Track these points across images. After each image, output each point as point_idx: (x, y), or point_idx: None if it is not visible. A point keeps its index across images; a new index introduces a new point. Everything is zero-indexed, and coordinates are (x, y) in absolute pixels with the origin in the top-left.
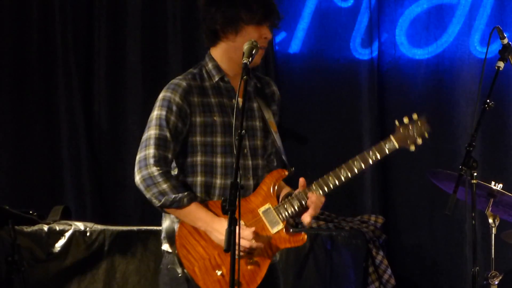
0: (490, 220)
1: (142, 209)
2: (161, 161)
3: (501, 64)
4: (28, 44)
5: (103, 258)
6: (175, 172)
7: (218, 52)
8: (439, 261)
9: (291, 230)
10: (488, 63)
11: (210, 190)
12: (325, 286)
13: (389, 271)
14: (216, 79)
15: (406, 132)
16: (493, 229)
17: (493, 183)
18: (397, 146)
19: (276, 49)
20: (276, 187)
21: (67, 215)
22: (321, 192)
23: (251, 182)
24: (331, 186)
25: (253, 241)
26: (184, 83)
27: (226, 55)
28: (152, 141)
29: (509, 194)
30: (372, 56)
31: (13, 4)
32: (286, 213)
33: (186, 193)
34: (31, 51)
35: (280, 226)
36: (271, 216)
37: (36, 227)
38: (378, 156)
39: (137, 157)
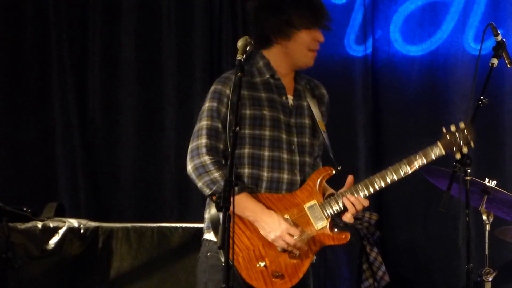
0: (484, 217)
1: (136, 206)
2: (213, 150)
3: (495, 61)
4: (23, 41)
5: (97, 255)
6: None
7: (271, 54)
8: (433, 258)
9: (335, 229)
10: (482, 60)
11: (257, 182)
12: (320, 283)
13: (383, 268)
14: (267, 76)
15: (452, 139)
16: (487, 226)
17: (487, 180)
18: (443, 152)
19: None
20: (322, 184)
21: (61, 212)
22: (366, 192)
23: (298, 177)
24: (377, 187)
25: (299, 240)
26: (234, 77)
27: (279, 57)
28: (204, 131)
29: (503, 191)
30: (366, 53)
31: (7, 1)
32: (331, 210)
33: (237, 182)
34: (25, 48)
35: (325, 222)
36: (316, 212)
37: (30, 224)
38: (425, 161)
39: (190, 147)
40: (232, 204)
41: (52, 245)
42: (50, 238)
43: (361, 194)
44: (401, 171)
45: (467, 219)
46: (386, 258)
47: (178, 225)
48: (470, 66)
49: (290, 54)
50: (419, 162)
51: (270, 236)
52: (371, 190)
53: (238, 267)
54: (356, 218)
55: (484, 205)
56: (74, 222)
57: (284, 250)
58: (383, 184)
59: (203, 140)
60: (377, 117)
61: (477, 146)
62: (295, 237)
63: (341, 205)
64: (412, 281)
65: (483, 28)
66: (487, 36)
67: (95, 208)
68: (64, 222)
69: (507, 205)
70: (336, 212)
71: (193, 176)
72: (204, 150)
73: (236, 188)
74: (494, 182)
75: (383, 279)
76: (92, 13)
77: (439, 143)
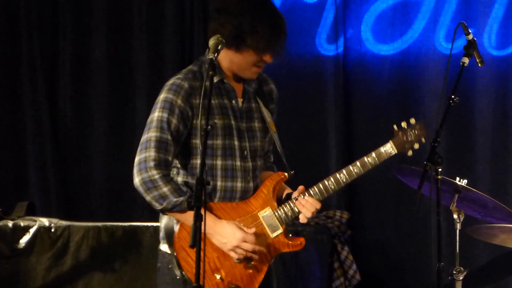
0: (455, 216)
1: (107, 205)
2: (161, 164)
3: (466, 60)
4: None
5: (68, 254)
6: (173, 172)
7: (220, 54)
8: (404, 257)
9: (290, 234)
10: (453, 59)
11: (211, 192)
12: (291, 282)
13: (354, 266)
14: (216, 80)
15: (404, 137)
16: (458, 224)
17: (458, 178)
18: (395, 151)
19: None
20: (276, 191)
21: (32, 211)
22: (320, 196)
23: (251, 184)
24: (331, 191)
25: (256, 245)
26: (186, 85)
27: (226, 61)
28: (152, 144)
29: (474, 189)
30: (338, 52)
31: None
32: (286, 217)
33: (187, 196)
34: None
35: (280, 230)
36: (271, 220)
37: (0, 223)
38: (377, 161)
39: (136, 159)
40: (204, 202)
41: (23, 244)
42: (21, 237)
43: (314, 197)
44: (353, 173)
45: (438, 218)
46: (357, 257)
47: (149, 224)
48: (441, 65)
49: (235, 64)
50: (371, 162)
51: (227, 247)
52: (325, 193)
53: (193, 279)
54: (327, 216)
55: (455, 204)
56: (45, 221)
57: (240, 261)
58: (337, 187)
59: (151, 153)
60: (348, 116)
61: (448, 145)
62: (253, 243)
63: (295, 210)
64: (383, 279)
65: (454, 27)
66: (458, 35)
67: (66, 207)
68: (35, 221)
69: (478, 204)
70: (290, 218)
71: (140, 189)
72: (152, 164)
73: (186, 204)
74: (465, 181)
75: (354, 278)
76: (63, 11)
77: (391, 142)
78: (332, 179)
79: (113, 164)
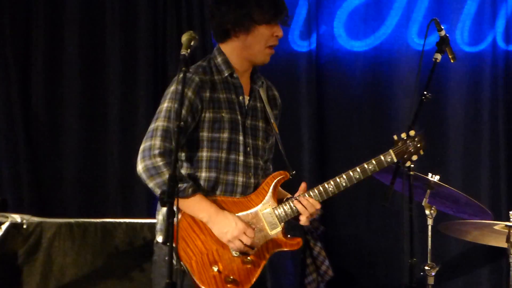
0: (427, 212)
1: (79, 201)
2: (166, 153)
3: (438, 56)
4: None
5: (40, 251)
6: (178, 164)
7: (228, 49)
8: (377, 253)
9: (288, 235)
10: (426, 55)
11: (214, 185)
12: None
13: (327, 262)
14: (226, 74)
15: (404, 147)
16: (430, 220)
17: (430, 174)
18: (395, 160)
19: (214, 41)
20: (277, 188)
21: (4, 207)
22: (320, 198)
23: (252, 180)
24: (330, 194)
25: (255, 240)
26: (197, 78)
27: (236, 52)
28: (159, 133)
29: (446, 185)
30: (311, 48)
31: None
32: (285, 216)
33: (190, 183)
34: None
35: (279, 228)
36: (270, 218)
37: None
38: (377, 168)
39: (142, 146)
40: (176, 200)
41: None
42: None
43: (314, 198)
44: (354, 179)
45: (410, 213)
46: (329, 253)
47: (122, 220)
48: (414, 61)
49: (248, 49)
50: (371, 169)
51: (227, 237)
52: (324, 195)
53: (191, 270)
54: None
55: (427, 200)
56: (17, 218)
57: (238, 254)
58: (336, 190)
59: (157, 142)
60: (321, 112)
61: None
62: (252, 237)
63: (294, 210)
64: (355, 275)
65: (427, 23)
66: (430, 31)
67: (38, 203)
68: (7, 217)
69: (450, 200)
70: (290, 217)
71: (143, 176)
72: (157, 151)
73: (190, 190)
74: (437, 177)
75: (326, 274)
76: (35, 8)
77: (391, 151)
78: (332, 182)
79: (85, 160)
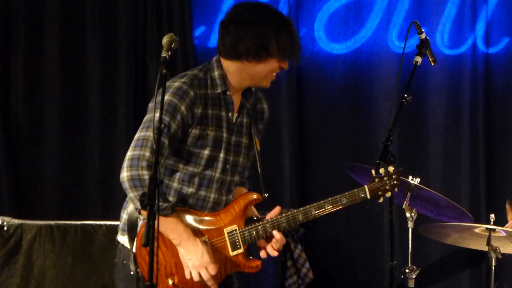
0: (408, 214)
1: (59, 203)
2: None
3: (418, 59)
4: None
5: (21, 253)
6: (161, 171)
7: (232, 67)
8: (357, 255)
9: (250, 257)
10: (406, 58)
11: (184, 198)
12: (244, 280)
13: (307, 265)
14: (219, 90)
15: (379, 185)
16: (411, 223)
17: (410, 177)
18: (368, 197)
19: (196, 43)
20: (247, 210)
21: None
22: (292, 224)
23: (224, 197)
24: (298, 223)
25: (212, 278)
26: (192, 93)
27: (240, 73)
28: (149, 144)
29: (427, 188)
30: None
31: None
32: (250, 239)
33: (171, 204)
34: None
35: (241, 250)
36: (234, 238)
37: None
38: (349, 203)
39: (130, 154)
40: (157, 201)
41: None
42: None
43: (281, 226)
44: (324, 209)
45: (391, 216)
46: (310, 255)
47: (102, 222)
48: (394, 64)
49: (254, 76)
50: (344, 202)
51: (188, 263)
52: (292, 225)
53: (146, 279)
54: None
55: (407, 203)
56: None
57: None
58: (305, 220)
59: (147, 153)
60: (301, 115)
61: (401, 143)
62: (211, 273)
63: (260, 236)
64: (336, 278)
65: (407, 26)
66: (411, 34)
67: (18, 205)
68: None
69: (430, 203)
70: (254, 240)
71: (126, 185)
72: (145, 163)
73: (169, 210)
74: (418, 179)
75: (307, 276)
76: (16, 9)
77: (366, 188)
78: (303, 211)
79: (65, 162)
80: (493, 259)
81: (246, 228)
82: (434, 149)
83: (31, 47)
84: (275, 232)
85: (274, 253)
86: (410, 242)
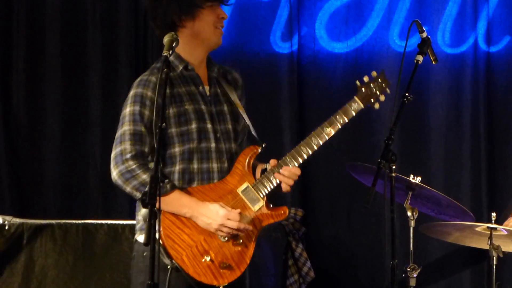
0: (409, 213)
1: (61, 202)
2: (138, 155)
3: (420, 58)
4: None
5: (22, 252)
6: (151, 165)
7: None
8: (358, 254)
9: (271, 205)
10: (407, 57)
11: (189, 176)
12: (245, 279)
13: (308, 263)
14: (180, 68)
15: (368, 90)
16: (412, 222)
17: (411, 176)
18: (362, 106)
19: None
20: (251, 164)
21: None
22: (295, 163)
23: (226, 165)
24: (305, 156)
25: (241, 222)
26: (153, 78)
27: (187, 42)
28: (127, 137)
29: (428, 187)
30: (292, 50)
31: None
32: (265, 189)
33: (166, 180)
34: None
35: (261, 203)
36: (251, 194)
37: None
38: (346, 119)
39: (113, 154)
40: (158, 201)
41: None
42: None
43: (290, 165)
44: (324, 134)
45: (392, 215)
46: (311, 254)
47: (103, 221)
48: (395, 63)
49: (198, 35)
50: (340, 120)
51: (212, 227)
52: (299, 159)
53: (184, 266)
54: None
55: (409, 201)
56: None
57: (227, 239)
58: (309, 151)
59: (127, 146)
60: (302, 114)
61: (402, 142)
62: (236, 220)
63: (274, 182)
64: (337, 276)
65: (408, 25)
66: (412, 32)
67: (20, 204)
68: None
69: (431, 201)
70: (270, 189)
71: (119, 182)
72: (128, 155)
73: (168, 186)
74: (419, 178)
75: (308, 275)
76: (17, 8)
77: (356, 98)
78: (304, 144)
79: (66, 161)
80: (494, 257)
81: (258, 180)
82: (435, 148)
83: (32, 47)
84: (282, 170)
85: (287, 188)
86: (411, 240)
